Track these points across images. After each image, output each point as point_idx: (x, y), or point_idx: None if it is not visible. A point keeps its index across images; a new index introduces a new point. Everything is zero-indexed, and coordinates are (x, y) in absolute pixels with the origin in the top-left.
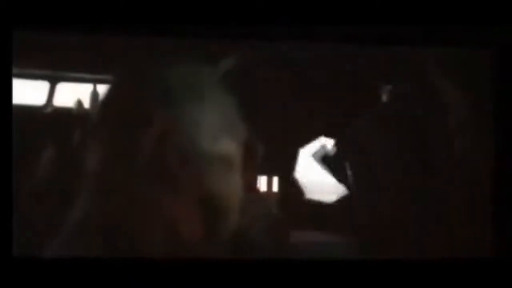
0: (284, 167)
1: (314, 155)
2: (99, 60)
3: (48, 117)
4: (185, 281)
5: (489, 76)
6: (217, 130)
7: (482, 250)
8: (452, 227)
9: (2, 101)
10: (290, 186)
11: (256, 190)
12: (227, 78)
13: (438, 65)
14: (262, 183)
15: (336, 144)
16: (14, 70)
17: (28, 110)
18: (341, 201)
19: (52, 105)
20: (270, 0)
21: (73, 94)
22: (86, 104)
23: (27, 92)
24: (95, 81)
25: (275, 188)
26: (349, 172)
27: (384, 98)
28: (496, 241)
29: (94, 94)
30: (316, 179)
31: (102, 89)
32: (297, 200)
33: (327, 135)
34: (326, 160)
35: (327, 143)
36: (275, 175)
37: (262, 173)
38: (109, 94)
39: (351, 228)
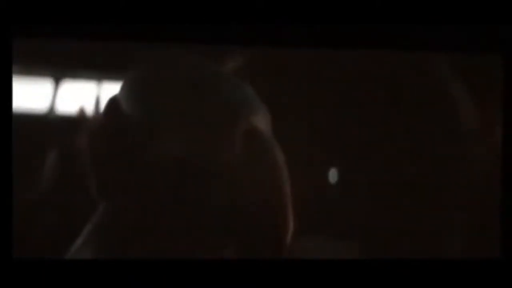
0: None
1: None
2: (103, 64)
3: (51, 121)
4: (185, 281)
5: (499, 80)
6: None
7: (490, 250)
8: (460, 227)
9: (2, 103)
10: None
11: None
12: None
13: (446, 69)
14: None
15: (344, 144)
16: (16, 73)
17: (31, 113)
18: (345, 201)
19: (55, 109)
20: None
21: (77, 98)
22: (90, 109)
23: (30, 95)
24: (99, 85)
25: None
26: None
27: (391, 101)
28: (504, 241)
29: (98, 98)
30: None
31: (106, 94)
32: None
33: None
34: None
35: None
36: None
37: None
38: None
39: (355, 228)
